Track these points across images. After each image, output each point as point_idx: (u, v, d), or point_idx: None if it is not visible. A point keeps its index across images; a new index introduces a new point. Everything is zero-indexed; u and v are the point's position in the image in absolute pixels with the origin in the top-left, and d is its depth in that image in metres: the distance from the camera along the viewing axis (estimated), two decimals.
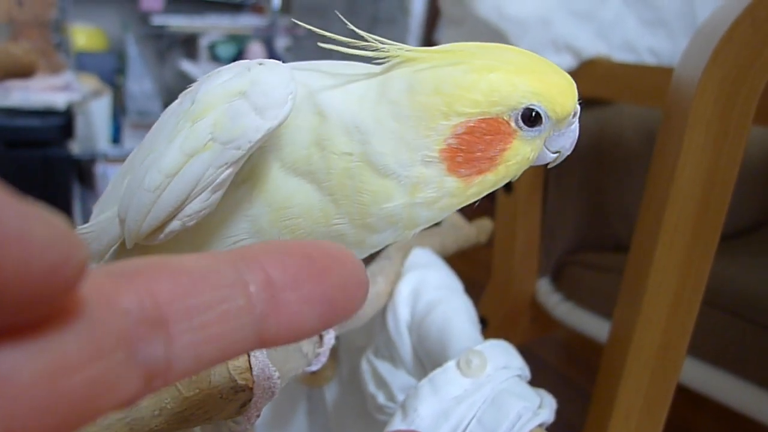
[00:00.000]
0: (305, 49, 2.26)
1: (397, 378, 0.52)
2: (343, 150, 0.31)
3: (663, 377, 0.61)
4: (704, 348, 0.75)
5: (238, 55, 2.10)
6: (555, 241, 0.95)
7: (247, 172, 0.31)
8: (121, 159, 1.80)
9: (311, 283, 0.15)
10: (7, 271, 0.10)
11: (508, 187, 0.87)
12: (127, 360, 0.13)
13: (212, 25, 2.06)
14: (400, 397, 0.51)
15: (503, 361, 0.45)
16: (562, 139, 0.33)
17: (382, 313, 0.54)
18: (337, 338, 0.44)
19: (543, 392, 0.45)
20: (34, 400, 0.11)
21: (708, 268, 0.57)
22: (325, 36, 0.30)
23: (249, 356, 0.32)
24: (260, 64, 0.30)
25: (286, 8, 2.27)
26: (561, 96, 0.30)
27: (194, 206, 0.30)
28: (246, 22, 2.12)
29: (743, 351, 0.75)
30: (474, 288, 0.63)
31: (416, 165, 0.30)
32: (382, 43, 0.30)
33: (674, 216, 0.56)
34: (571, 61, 0.81)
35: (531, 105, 0.30)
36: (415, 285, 0.53)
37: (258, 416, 0.34)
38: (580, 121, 0.33)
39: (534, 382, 0.47)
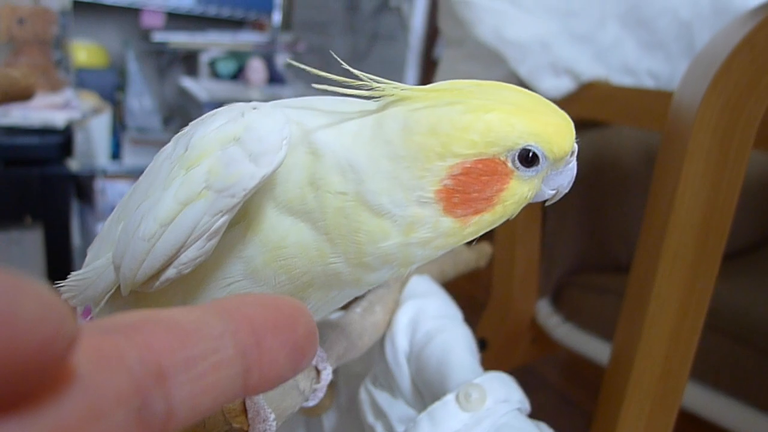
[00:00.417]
0: (305, 65, 2.27)
1: (396, 408, 0.52)
2: (338, 189, 0.30)
3: (665, 402, 0.60)
4: (704, 371, 0.75)
5: (239, 72, 2.10)
6: (554, 262, 0.95)
7: (241, 213, 0.31)
8: (120, 175, 1.80)
9: (286, 331, 0.16)
10: None
11: None
12: (128, 418, 0.13)
13: (213, 42, 2.06)
14: (399, 428, 0.50)
15: (503, 394, 0.44)
16: (560, 178, 0.32)
17: (381, 342, 0.53)
18: (334, 370, 0.43)
19: (543, 425, 0.45)
20: None
21: (709, 294, 0.56)
22: (326, 75, 0.30)
23: (244, 399, 0.32)
24: (254, 108, 0.30)
25: (286, 25, 2.28)
26: (558, 136, 0.30)
27: (190, 254, 0.29)
28: (246, 38, 2.12)
29: (743, 374, 0.75)
30: (474, 306, 0.62)
31: (411, 205, 0.30)
32: (378, 82, 0.30)
33: (674, 243, 0.55)
34: (570, 84, 0.81)
35: (528, 146, 0.29)
36: (414, 314, 0.53)
37: None
38: (577, 159, 0.33)
39: (534, 402, 0.46)
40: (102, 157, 1.79)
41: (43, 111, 1.46)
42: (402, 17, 1.94)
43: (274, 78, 2.11)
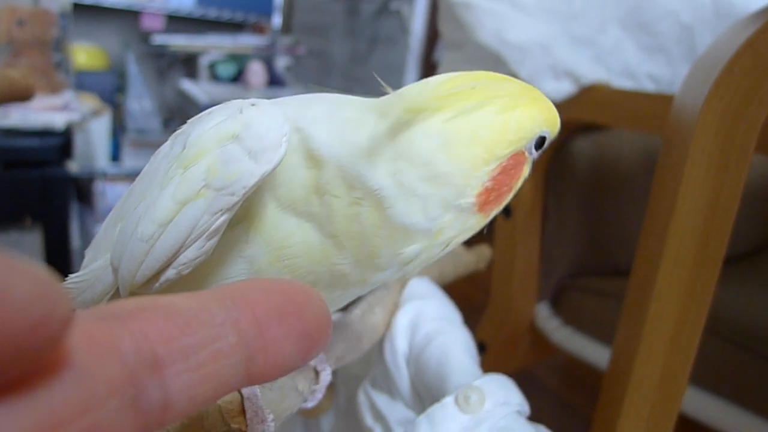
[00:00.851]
0: (305, 68, 2.27)
1: (395, 411, 0.51)
2: (348, 201, 0.29)
3: (664, 406, 0.60)
4: (704, 376, 0.74)
5: (239, 74, 2.11)
6: (554, 265, 0.95)
7: (243, 212, 0.30)
8: (120, 177, 1.80)
9: (292, 318, 0.16)
10: None
11: (507, 211, 0.87)
12: (122, 407, 0.12)
13: (213, 45, 2.07)
14: (398, 431, 0.50)
15: (502, 396, 0.44)
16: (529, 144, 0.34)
17: (380, 344, 0.53)
18: (333, 371, 0.43)
19: (542, 428, 0.44)
20: None
21: (709, 299, 0.56)
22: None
23: (242, 399, 0.31)
24: (252, 104, 0.29)
25: (286, 28, 2.28)
26: (557, 118, 0.32)
27: (189, 254, 0.29)
28: (246, 41, 2.13)
29: (743, 380, 0.75)
30: (472, 309, 0.62)
31: (448, 213, 0.29)
32: (391, 92, 0.29)
33: (675, 247, 0.55)
34: (570, 87, 0.81)
35: (543, 132, 0.31)
36: (413, 316, 0.53)
37: None
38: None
39: (533, 405, 0.46)
40: (102, 159, 1.79)
41: (43, 113, 1.46)
42: (402, 20, 1.94)
43: (274, 81, 2.11)
